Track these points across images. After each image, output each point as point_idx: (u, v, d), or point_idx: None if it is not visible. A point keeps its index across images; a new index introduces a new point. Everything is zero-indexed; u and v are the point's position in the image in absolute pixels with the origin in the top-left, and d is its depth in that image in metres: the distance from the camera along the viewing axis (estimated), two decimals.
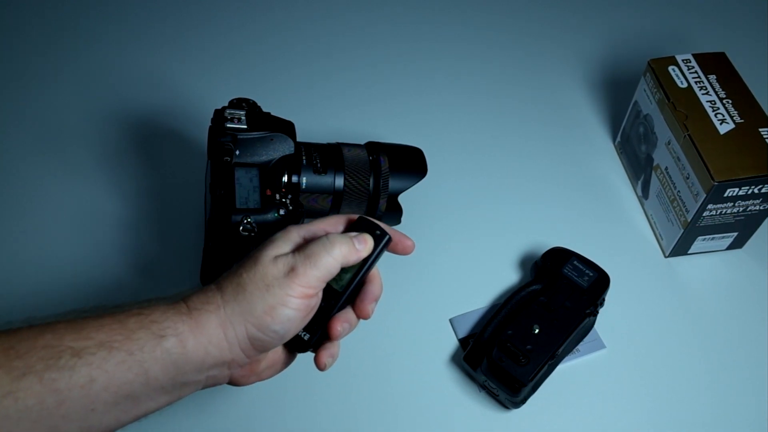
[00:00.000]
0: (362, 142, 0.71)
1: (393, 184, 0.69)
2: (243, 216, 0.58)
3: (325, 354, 0.52)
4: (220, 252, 0.61)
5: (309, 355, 0.68)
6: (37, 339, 0.43)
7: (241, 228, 0.58)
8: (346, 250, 0.50)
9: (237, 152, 0.61)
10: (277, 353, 0.53)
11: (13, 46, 0.91)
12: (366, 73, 0.91)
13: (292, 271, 0.48)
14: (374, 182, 0.68)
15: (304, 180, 0.65)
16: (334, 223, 0.53)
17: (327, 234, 0.51)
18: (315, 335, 0.51)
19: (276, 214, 0.59)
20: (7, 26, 0.93)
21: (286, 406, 0.65)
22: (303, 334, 0.51)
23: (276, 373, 0.53)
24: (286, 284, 0.47)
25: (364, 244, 0.51)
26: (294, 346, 0.52)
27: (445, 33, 0.96)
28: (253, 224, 0.58)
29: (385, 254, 0.74)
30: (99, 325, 0.45)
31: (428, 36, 0.96)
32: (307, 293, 0.48)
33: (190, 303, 0.47)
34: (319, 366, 0.52)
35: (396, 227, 0.74)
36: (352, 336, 0.70)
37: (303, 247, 0.50)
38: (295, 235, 0.51)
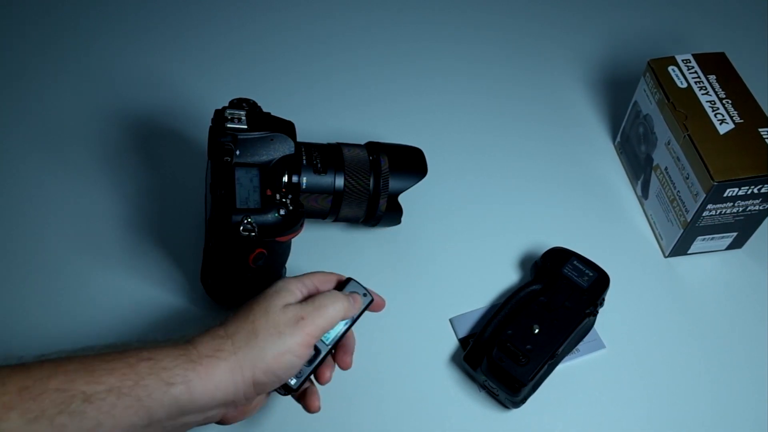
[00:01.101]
0: (362, 142, 0.71)
1: (393, 184, 0.69)
2: (243, 216, 0.58)
3: (315, 398, 0.58)
4: (220, 252, 0.61)
5: None
6: (50, 380, 0.45)
7: (241, 228, 0.58)
8: (346, 306, 0.56)
9: (237, 152, 0.61)
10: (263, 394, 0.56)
11: (13, 46, 0.91)
12: (366, 73, 0.91)
13: (302, 319, 0.53)
14: (374, 182, 0.68)
15: (304, 180, 0.65)
16: (325, 280, 0.59)
17: (328, 291, 0.57)
18: (301, 381, 0.56)
19: (276, 214, 0.59)
20: (7, 26, 0.93)
21: (286, 405, 0.65)
22: (291, 381, 0.56)
23: (254, 413, 0.57)
24: (296, 332, 0.52)
25: (357, 302, 0.59)
26: (281, 389, 0.56)
27: (445, 33, 0.96)
28: (254, 224, 0.58)
29: (386, 254, 0.75)
30: (110, 369, 0.46)
31: (428, 36, 0.96)
32: (309, 342, 0.53)
33: (200, 348, 0.50)
34: (313, 409, 0.57)
35: (396, 227, 0.75)
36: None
37: (309, 299, 0.55)
38: (294, 287, 0.56)
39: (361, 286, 0.60)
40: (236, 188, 0.59)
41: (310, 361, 0.56)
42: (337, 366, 0.59)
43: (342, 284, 0.60)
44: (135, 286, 0.71)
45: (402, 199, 0.70)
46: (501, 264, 0.74)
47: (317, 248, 0.74)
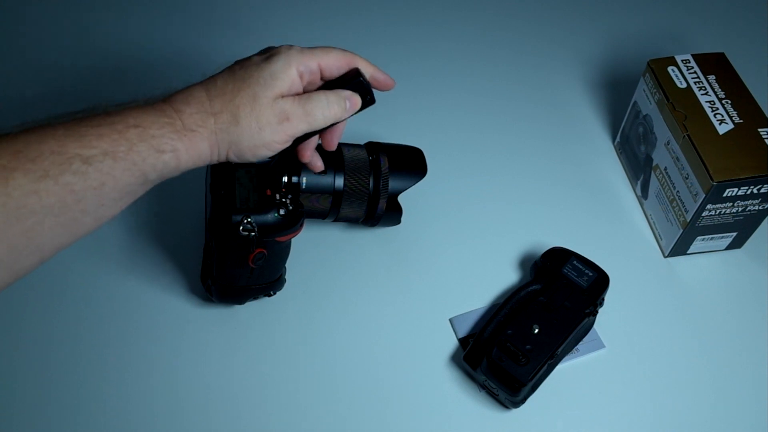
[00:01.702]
0: (362, 143, 0.71)
1: (393, 184, 0.69)
2: (243, 216, 0.58)
3: (316, 158, 0.62)
4: (220, 252, 0.61)
5: (304, 357, 0.69)
6: (41, 144, 0.45)
7: (241, 228, 0.58)
8: (338, 112, 0.55)
9: None
10: None
11: (12, 46, 0.91)
12: None
13: (286, 120, 0.53)
14: (374, 182, 0.68)
15: (304, 180, 0.65)
16: (332, 64, 0.56)
17: (323, 79, 0.56)
18: (279, 155, 0.56)
19: (276, 214, 0.59)
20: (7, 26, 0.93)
21: (286, 406, 0.65)
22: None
23: None
24: (277, 131, 0.53)
25: (354, 107, 0.56)
26: None
27: (445, 33, 0.96)
28: (253, 224, 0.58)
29: (386, 254, 0.75)
30: (98, 134, 0.47)
31: (428, 36, 0.96)
32: (287, 140, 0.54)
33: (185, 120, 0.51)
34: (317, 169, 0.63)
35: (396, 227, 0.75)
36: (351, 335, 0.70)
37: (302, 98, 0.53)
38: (294, 71, 0.53)
39: (367, 85, 0.57)
40: (236, 188, 0.59)
41: (294, 141, 0.56)
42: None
43: (350, 76, 0.57)
44: (135, 286, 0.71)
45: (402, 198, 0.70)
46: (501, 264, 0.74)
47: (317, 248, 0.74)
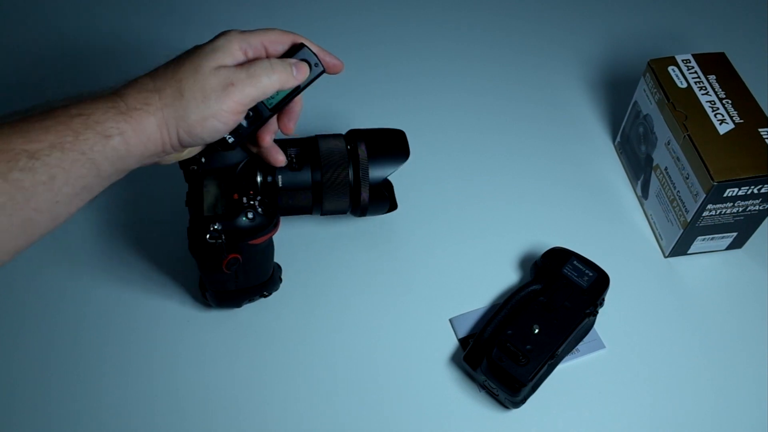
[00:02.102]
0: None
1: (374, 172, 0.66)
2: (210, 224, 0.57)
3: (276, 152, 0.60)
4: (197, 261, 0.60)
5: (304, 357, 0.69)
6: None
7: (207, 236, 0.57)
8: (284, 77, 0.54)
9: (203, 159, 0.60)
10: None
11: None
12: (365, 73, 0.91)
13: (231, 85, 0.52)
14: (353, 172, 0.66)
15: (280, 178, 0.63)
16: (276, 40, 0.56)
17: (269, 57, 0.55)
18: (238, 140, 0.56)
19: (245, 218, 0.58)
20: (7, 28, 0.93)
21: (286, 407, 0.65)
22: (228, 137, 0.55)
23: (189, 156, 0.58)
24: (222, 98, 0.51)
25: (302, 74, 0.56)
26: (218, 144, 0.56)
27: (444, 32, 0.96)
28: (219, 231, 0.57)
29: (386, 253, 0.75)
30: (44, 127, 0.47)
31: (428, 36, 0.96)
32: (236, 110, 0.52)
33: (128, 101, 0.50)
34: (279, 163, 0.61)
35: (395, 227, 0.74)
36: (351, 335, 0.70)
37: (245, 65, 0.53)
38: (236, 46, 0.54)
39: (314, 54, 0.57)
40: (204, 196, 0.58)
41: (251, 122, 0.56)
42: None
43: (294, 49, 0.57)
44: (135, 292, 0.71)
45: (400, 199, 0.70)
46: (501, 264, 0.74)
47: (316, 248, 0.74)
